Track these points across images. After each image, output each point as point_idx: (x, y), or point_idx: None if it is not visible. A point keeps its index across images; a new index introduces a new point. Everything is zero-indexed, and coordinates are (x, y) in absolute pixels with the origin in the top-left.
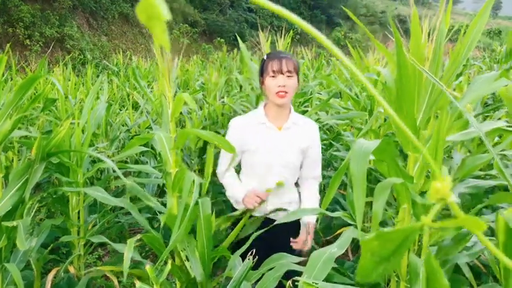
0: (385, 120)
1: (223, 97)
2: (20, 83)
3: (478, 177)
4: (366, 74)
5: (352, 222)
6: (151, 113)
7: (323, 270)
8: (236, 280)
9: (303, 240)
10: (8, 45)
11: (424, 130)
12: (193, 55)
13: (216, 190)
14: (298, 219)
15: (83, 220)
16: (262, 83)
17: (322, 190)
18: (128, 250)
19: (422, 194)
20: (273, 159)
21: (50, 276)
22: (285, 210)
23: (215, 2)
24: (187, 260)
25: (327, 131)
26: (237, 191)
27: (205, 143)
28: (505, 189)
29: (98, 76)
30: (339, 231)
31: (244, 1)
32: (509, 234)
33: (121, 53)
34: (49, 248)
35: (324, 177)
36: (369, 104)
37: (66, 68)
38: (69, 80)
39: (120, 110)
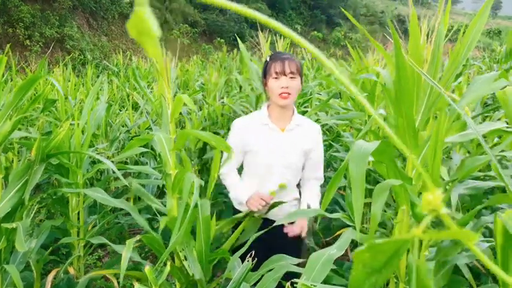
0: (384, 120)
1: (222, 97)
2: (19, 84)
3: (477, 178)
4: (365, 75)
5: (351, 224)
6: (151, 113)
7: (322, 272)
8: (235, 281)
9: (301, 225)
10: (8, 45)
11: (423, 131)
12: (193, 55)
13: (216, 190)
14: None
15: (82, 221)
16: (265, 84)
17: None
18: (127, 251)
19: (421, 195)
20: (275, 160)
21: (50, 277)
22: (285, 203)
23: None
24: (186, 259)
25: (327, 132)
26: (240, 192)
27: (205, 143)
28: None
29: (98, 76)
30: (338, 232)
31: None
32: (507, 236)
33: (121, 53)
34: (51, 248)
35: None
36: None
37: (66, 69)
38: (69, 81)
39: (120, 111)
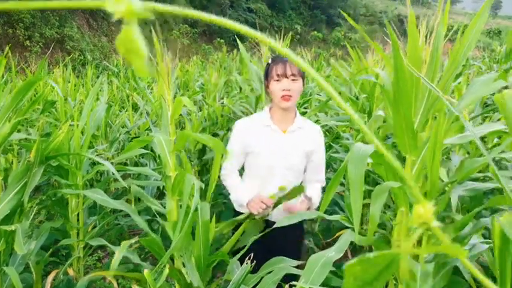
0: (384, 121)
1: (222, 98)
2: (18, 87)
3: (476, 179)
4: (364, 76)
5: (350, 226)
6: (151, 114)
7: (321, 274)
8: (234, 283)
9: (298, 207)
10: (8, 47)
11: (422, 132)
12: (193, 55)
13: (216, 191)
14: (298, 223)
15: (82, 222)
16: (267, 86)
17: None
18: (120, 252)
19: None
20: (276, 161)
21: (50, 278)
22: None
23: (215, 2)
24: (184, 266)
25: (327, 132)
26: (241, 194)
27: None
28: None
29: (98, 77)
30: (338, 234)
31: (244, 1)
32: (504, 239)
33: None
34: (51, 250)
35: None
36: (367, 105)
37: (66, 69)
38: (69, 82)
39: (120, 112)
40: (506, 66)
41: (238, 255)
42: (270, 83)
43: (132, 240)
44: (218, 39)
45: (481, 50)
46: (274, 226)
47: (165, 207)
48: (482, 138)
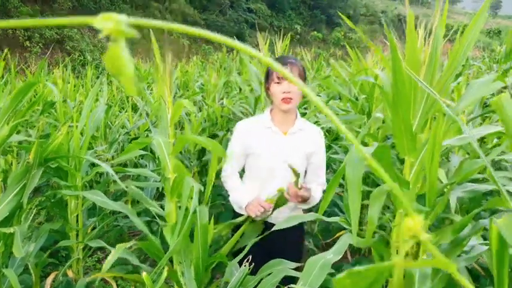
0: (383, 122)
1: (222, 98)
2: (17, 88)
3: (476, 180)
4: (363, 77)
5: (349, 227)
6: (151, 115)
7: (319, 276)
8: (233, 286)
9: (300, 193)
10: (7, 49)
11: (421, 134)
12: (193, 56)
13: (215, 192)
14: (298, 225)
15: (81, 224)
16: (267, 89)
17: None
18: (115, 254)
19: (420, 197)
20: (277, 163)
21: (49, 280)
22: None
23: (215, 2)
24: (183, 275)
25: (326, 133)
26: (241, 197)
27: None
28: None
29: (98, 77)
30: (338, 234)
31: (244, 1)
32: (502, 242)
33: None
34: (49, 252)
35: None
36: (367, 106)
37: (66, 70)
38: (69, 82)
39: (120, 112)
40: (506, 66)
41: (238, 258)
42: (270, 85)
43: (129, 244)
44: None
45: (480, 49)
46: (273, 229)
47: (164, 209)
48: (482, 139)
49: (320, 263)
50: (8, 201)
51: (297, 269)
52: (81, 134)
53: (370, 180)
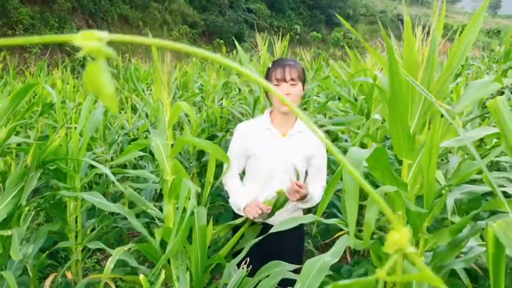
0: (382, 122)
1: (221, 99)
2: (16, 90)
3: (475, 181)
4: (362, 78)
5: (347, 229)
6: (150, 116)
7: (317, 279)
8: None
9: (294, 190)
10: (5, 51)
11: (420, 135)
12: (193, 56)
13: (214, 193)
14: (298, 227)
15: (80, 225)
16: (267, 91)
17: None
18: (114, 257)
19: (419, 198)
20: (276, 165)
21: (48, 281)
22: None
23: (214, 2)
24: (178, 279)
25: (325, 134)
26: (240, 198)
27: None
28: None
29: None
30: (337, 235)
31: (244, 1)
32: (498, 245)
33: (120, 54)
34: (46, 253)
35: None
36: (366, 107)
37: (66, 71)
38: (68, 83)
39: (120, 113)
40: (505, 66)
41: (236, 260)
42: None
43: (128, 246)
44: (218, 39)
45: (480, 49)
46: (271, 231)
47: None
48: (481, 139)
49: (318, 265)
50: (5, 204)
51: (296, 270)
52: (80, 135)
53: (369, 181)
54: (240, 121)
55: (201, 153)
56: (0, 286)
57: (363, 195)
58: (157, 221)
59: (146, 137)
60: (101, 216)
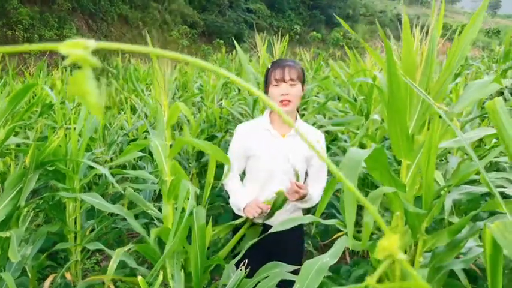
0: (382, 121)
1: (221, 99)
2: (15, 91)
3: (474, 181)
4: (361, 79)
5: (345, 230)
6: (149, 116)
7: (315, 280)
8: None
9: (293, 190)
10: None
11: (419, 135)
12: (193, 56)
13: (214, 194)
14: (298, 227)
15: (79, 226)
16: (266, 91)
17: None
18: (115, 258)
19: (418, 198)
20: (276, 165)
21: (47, 282)
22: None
23: (214, 2)
24: (173, 277)
25: (325, 134)
26: (240, 199)
27: None
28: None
29: (97, 78)
30: (336, 235)
31: (243, 2)
32: (495, 246)
33: (120, 55)
34: (45, 254)
35: None
36: (365, 107)
37: (65, 71)
38: (68, 84)
39: (119, 114)
40: (505, 66)
41: (235, 261)
42: (268, 88)
43: (127, 247)
44: (217, 39)
45: (480, 49)
46: (270, 231)
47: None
48: (481, 139)
49: (316, 266)
50: (4, 205)
51: (295, 271)
52: (80, 135)
53: (368, 181)
54: (240, 122)
55: (201, 153)
56: None
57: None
58: (156, 222)
59: (145, 138)
60: (100, 217)
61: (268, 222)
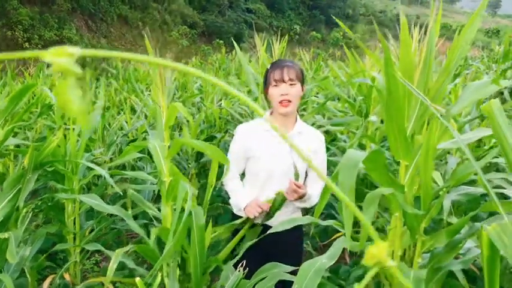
0: (382, 122)
1: (220, 100)
2: (14, 92)
3: (473, 182)
4: (360, 79)
5: (344, 230)
6: (149, 117)
7: (314, 281)
8: None
9: (292, 189)
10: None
11: (419, 135)
12: (192, 56)
13: (214, 194)
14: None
15: (78, 227)
16: (266, 92)
17: None
18: (115, 260)
19: (416, 199)
20: (276, 166)
21: (46, 283)
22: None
23: (214, 3)
24: (167, 275)
25: (324, 134)
26: (240, 199)
27: None
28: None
29: (97, 79)
30: (335, 236)
31: (243, 2)
32: (492, 248)
33: None
34: (44, 255)
35: None
36: (364, 107)
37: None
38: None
39: (118, 114)
40: (505, 66)
41: (233, 261)
42: (268, 89)
43: (126, 248)
44: (217, 40)
45: (480, 49)
46: (269, 232)
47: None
48: (480, 140)
49: (315, 267)
50: (3, 206)
51: (294, 272)
52: (79, 136)
53: (368, 182)
54: (239, 122)
55: (200, 154)
56: None
57: (361, 196)
58: (155, 222)
59: (145, 138)
60: (99, 217)
61: (268, 223)
